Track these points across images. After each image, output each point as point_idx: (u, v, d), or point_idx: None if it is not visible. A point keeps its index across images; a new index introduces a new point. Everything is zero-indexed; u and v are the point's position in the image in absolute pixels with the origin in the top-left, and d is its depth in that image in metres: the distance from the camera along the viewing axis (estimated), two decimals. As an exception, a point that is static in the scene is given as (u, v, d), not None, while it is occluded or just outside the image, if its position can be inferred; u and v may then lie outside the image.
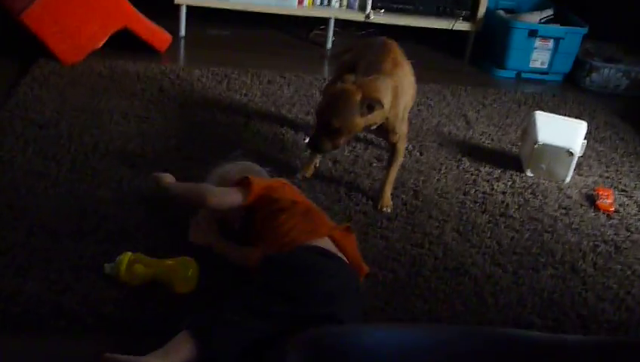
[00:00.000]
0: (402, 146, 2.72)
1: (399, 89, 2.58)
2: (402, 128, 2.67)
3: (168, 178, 2.46)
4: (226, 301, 1.89)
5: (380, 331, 1.20)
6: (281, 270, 1.96)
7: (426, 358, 1.25)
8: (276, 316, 1.83)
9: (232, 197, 2.25)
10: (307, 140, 2.68)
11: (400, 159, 2.74)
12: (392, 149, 2.72)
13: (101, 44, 3.70)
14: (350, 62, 2.82)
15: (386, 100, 2.49)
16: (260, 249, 2.15)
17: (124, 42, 3.76)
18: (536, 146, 2.99)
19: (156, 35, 3.88)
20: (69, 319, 1.93)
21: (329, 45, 4.50)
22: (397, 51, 2.80)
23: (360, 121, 2.46)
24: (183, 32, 4.30)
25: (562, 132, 3.07)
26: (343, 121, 2.44)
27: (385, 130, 2.61)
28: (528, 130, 3.16)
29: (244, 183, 2.26)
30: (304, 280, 1.92)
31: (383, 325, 1.77)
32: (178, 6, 4.23)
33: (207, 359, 1.73)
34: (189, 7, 4.26)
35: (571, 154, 2.96)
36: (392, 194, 2.73)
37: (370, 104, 2.43)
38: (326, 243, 2.08)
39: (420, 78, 3.96)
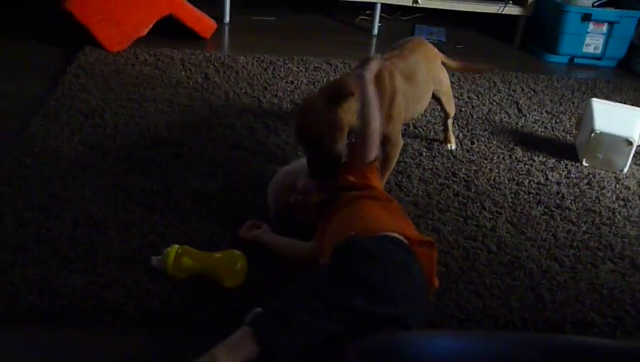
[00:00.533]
0: (394, 153, 2.54)
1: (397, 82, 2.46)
2: (394, 132, 2.49)
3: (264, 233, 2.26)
4: (294, 288, 1.77)
5: (444, 340, 1.14)
6: (365, 254, 1.83)
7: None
8: (349, 311, 1.73)
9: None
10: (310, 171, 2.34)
11: (391, 168, 2.58)
12: (383, 156, 2.51)
13: (146, 31, 3.68)
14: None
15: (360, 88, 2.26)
16: (318, 241, 2.08)
17: (169, 30, 3.73)
18: (592, 135, 2.88)
19: (201, 21, 3.84)
20: (114, 313, 1.89)
21: (375, 31, 4.42)
22: (418, 44, 2.72)
23: (334, 115, 2.22)
24: (227, 19, 4.26)
25: (620, 120, 2.96)
26: (317, 126, 2.22)
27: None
28: (584, 118, 3.05)
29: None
30: (387, 272, 1.79)
31: (448, 333, 1.69)
32: (223, -8, 4.18)
33: (268, 357, 1.66)
34: (234, -7, 4.22)
35: (630, 143, 2.85)
36: (442, 184, 2.65)
37: (335, 93, 2.22)
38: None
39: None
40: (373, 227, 1.95)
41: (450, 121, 2.96)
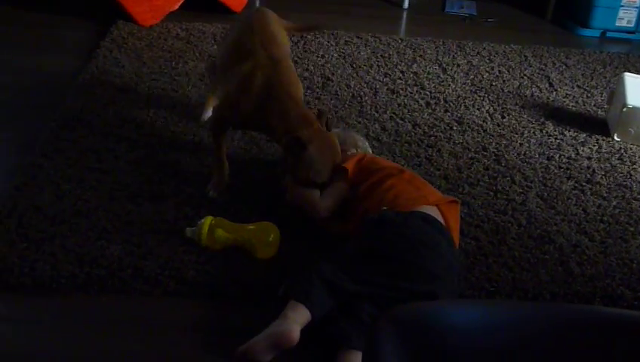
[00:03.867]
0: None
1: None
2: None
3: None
4: (323, 263, 1.86)
5: (473, 308, 1.16)
6: (395, 232, 1.89)
7: (517, 336, 1.20)
8: (373, 285, 1.80)
9: (334, 195, 2.18)
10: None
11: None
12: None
13: (178, 5, 3.70)
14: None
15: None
16: (350, 226, 2.10)
17: (201, 4, 3.75)
18: (624, 109, 2.87)
19: (232, -5, 3.85)
20: (151, 283, 1.94)
21: (405, 5, 4.39)
22: (268, 18, 2.53)
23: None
24: (258, -7, 4.26)
25: (653, 94, 2.94)
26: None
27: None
28: (616, 92, 3.04)
29: (338, 170, 2.20)
30: (415, 252, 1.86)
31: (478, 302, 1.72)
32: (253, -34, 4.19)
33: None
34: (265, -33, 4.22)
35: (662, 117, 2.84)
36: (472, 158, 2.67)
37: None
38: (435, 212, 2.00)
39: (500, 39, 3.91)
40: (398, 204, 1.99)
41: None
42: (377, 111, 2.96)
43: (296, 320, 1.72)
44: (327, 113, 2.29)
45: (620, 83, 3.01)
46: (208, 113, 2.73)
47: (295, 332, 1.69)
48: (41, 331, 1.82)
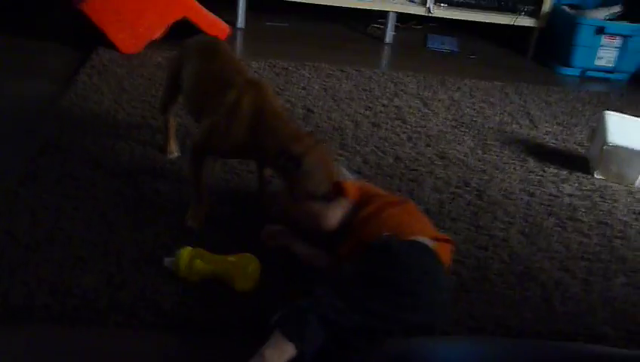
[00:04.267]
0: None
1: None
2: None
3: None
4: (318, 286, 1.78)
5: (464, 345, 1.13)
6: (397, 259, 1.84)
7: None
8: (370, 313, 1.73)
9: (341, 208, 2.12)
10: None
11: None
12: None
13: (160, 34, 3.69)
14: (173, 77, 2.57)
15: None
16: (343, 250, 2.03)
17: (183, 33, 3.72)
18: (605, 148, 2.87)
19: (214, 25, 3.84)
20: (127, 314, 1.89)
21: (388, 39, 4.42)
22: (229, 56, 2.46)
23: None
24: (241, 24, 4.26)
25: (633, 133, 2.95)
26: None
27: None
28: (597, 130, 3.05)
29: (337, 188, 2.15)
30: (418, 282, 1.81)
31: (468, 339, 1.69)
32: (237, -3, 4.19)
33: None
34: (248, -2, 4.22)
35: (643, 156, 2.85)
36: (454, 193, 2.66)
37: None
38: (433, 246, 1.95)
39: (482, 75, 3.93)
40: (403, 231, 1.95)
41: None
42: (359, 144, 2.94)
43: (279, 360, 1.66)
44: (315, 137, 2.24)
45: (601, 121, 3.03)
46: (174, 154, 2.68)
47: None
48: (12, 362, 1.76)
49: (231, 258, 2.04)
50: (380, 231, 1.96)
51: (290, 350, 1.66)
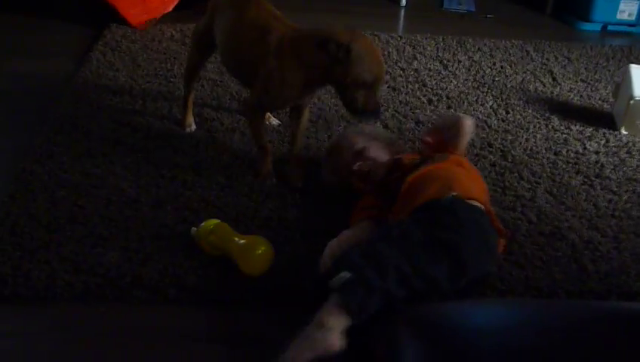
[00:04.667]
0: None
1: None
2: None
3: None
4: (383, 247, 1.69)
5: (495, 308, 1.10)
6: (463, 224, 1.77)
7: (535, 335, 1.13)
8: (431, 281, 1.66)
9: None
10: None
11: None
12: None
13: (171, 7, 3.64)
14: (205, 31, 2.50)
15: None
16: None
17: (194, 3, 3.68)
18: (632, 102, 2.80)
19: (227, -5, 3.79)
20: (151, 290, 1.87)
21: (403, 2, 4.34)
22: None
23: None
24: (253, -7, 4.19)
25: (660, 86, 2.87)
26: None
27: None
28: (622, 85, 2.97)
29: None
30: (478, 249, 1.76)
31: (499, 301, 1.65)
32: (248, -34, 4.12)
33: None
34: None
35: (671, 109, 2.77)
36: (478, 154, 2.60)
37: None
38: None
39: (500, 34, 3.85)
40: (467, 195, 1.91)
41: None
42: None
43: (339, 329, 1.56)
44: None
45: (626, 75, 2.94)
46: (192, 126, 2.66)
47: (340, 344, 1.55)
48: (38, 343, 1.74)
49: (240, 239, 1.95)
50: (444, 187, 1.92)
51: (345, 321, 1.57)
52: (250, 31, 2.28)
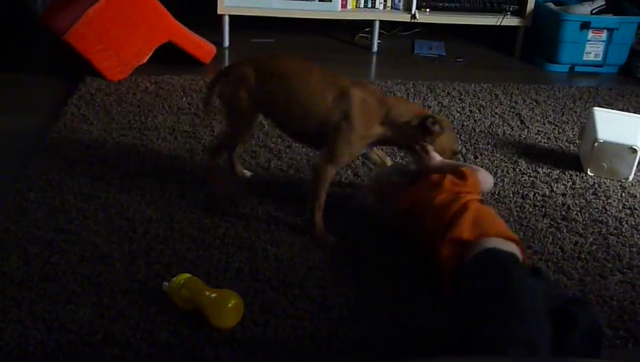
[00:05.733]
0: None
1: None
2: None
3: None
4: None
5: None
6: (510, 276, 1.89)
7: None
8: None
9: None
10: None
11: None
12: None
13: (146, 59, 3.69)
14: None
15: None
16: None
17: (170, 56, 3.74)
18: (596, 144, 2.87)
19: (200, 47, 3.85)
20: (123, 346, 1.88)
21: (374, 48, 4.42)
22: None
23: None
24: (227, 43, 4.27)
25: (623, 128, 2.94)
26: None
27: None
28: (587, 127, 3.04)
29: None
30: (522, 297, 1.84)
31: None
32: (221, 16, 4.19)
33: None
34: (232, 17, 4.23)
35: (634, 151, 2.84)
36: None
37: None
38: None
39: (470, 78, 3.93)
40: (488, 230, 2.12)
41: None
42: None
43: None
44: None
45: (590, 118, 3.02)
46: (248, 173, 2.78)
47: None
48: (10, 403, 1.75)
49: (211, 293, 1.99)
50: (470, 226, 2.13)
51: None
52: (322, 94, 2.37)
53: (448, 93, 3.71)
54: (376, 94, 2.44)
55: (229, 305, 1.96)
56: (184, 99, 3.41)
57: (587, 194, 2.79)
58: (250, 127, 2.56)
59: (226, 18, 4.21)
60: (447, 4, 4.39)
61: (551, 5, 4.37)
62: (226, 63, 4.11)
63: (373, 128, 2.35)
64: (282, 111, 2.45)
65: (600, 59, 4.25)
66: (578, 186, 2.84)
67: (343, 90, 2.35)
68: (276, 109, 2.46)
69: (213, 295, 1.98)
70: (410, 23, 4.41)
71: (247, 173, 2.76)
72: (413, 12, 4.33)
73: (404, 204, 2.36)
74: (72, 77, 3.59)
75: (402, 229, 2.39)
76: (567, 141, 3.25)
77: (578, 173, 2.94)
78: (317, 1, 4.25)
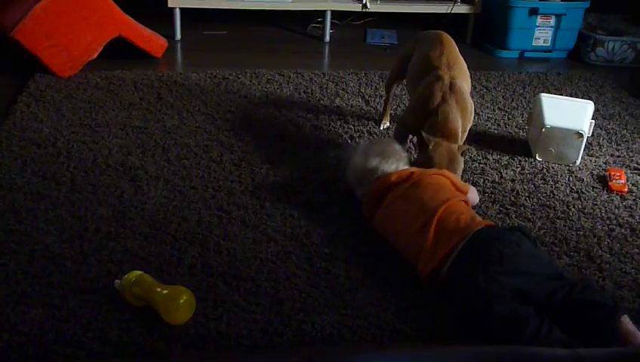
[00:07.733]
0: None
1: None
2: None
3: None
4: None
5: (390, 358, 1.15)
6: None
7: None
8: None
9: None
10: None
11: None
12: None
13: (96, 54, 3.66)
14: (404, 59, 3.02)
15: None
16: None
17: (121, 50, 3.71)
18: (543, 130, 2.92)
19: (151, 41, 3.83)
20: (75, 346, 1.88)
21: (327, 38, 4.43)
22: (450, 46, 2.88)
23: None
24: (178, 36, 4.25)
25: (569, 113, 3.00)
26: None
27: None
28: (534, 113, 3.09)
29: None
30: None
31: (405, 351, 1.70)
32: (172, 9, 4.17)
33: None
34: (183, 10, 4.21)
35: (581, 135, 2.90)
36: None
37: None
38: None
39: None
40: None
41: None
42: (300, 148, 2.96)
43: None
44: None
45: (538, 104, 3.07)
46: (386, 124, 3.23)
47: None
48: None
49: (163, 289, 2.00)
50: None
51: None
52: (422, 69, 2.79)
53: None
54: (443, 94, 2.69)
55: (181, 301, 1.97)
56: (135, 94, 3.40)
57: (536, 179, 2.84)
58: (396, 75, 3.16)
59: (177, 11, 4.19)
60: (397, -7, 4.42)
61: (500, -8, 4.42)
62: (179, 57, 4.10)
63: (419, 114, 2.70)
64: (409, 67, 2.98)
65: (549, 44, 4.31)
66: (527, 172, 2.89)
67: (432, 73, 2.73)
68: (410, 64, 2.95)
69: (165, 291, 1.99)
70: (362, 12, 4.43)
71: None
72: (364, 1, 4.34)
73: (379, 186, 2.43)
74: (20, 74, 3.55)
75: (366, 213, 2.45)
76: (516, 127, 3.30)
77: (527, 159, 2.99)
78: (268, -7, 4.26)
